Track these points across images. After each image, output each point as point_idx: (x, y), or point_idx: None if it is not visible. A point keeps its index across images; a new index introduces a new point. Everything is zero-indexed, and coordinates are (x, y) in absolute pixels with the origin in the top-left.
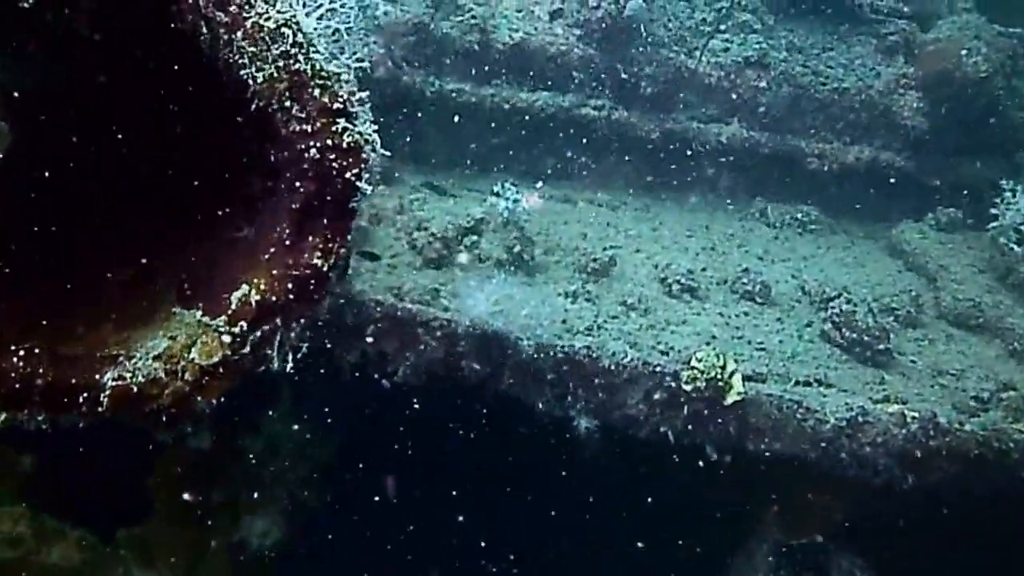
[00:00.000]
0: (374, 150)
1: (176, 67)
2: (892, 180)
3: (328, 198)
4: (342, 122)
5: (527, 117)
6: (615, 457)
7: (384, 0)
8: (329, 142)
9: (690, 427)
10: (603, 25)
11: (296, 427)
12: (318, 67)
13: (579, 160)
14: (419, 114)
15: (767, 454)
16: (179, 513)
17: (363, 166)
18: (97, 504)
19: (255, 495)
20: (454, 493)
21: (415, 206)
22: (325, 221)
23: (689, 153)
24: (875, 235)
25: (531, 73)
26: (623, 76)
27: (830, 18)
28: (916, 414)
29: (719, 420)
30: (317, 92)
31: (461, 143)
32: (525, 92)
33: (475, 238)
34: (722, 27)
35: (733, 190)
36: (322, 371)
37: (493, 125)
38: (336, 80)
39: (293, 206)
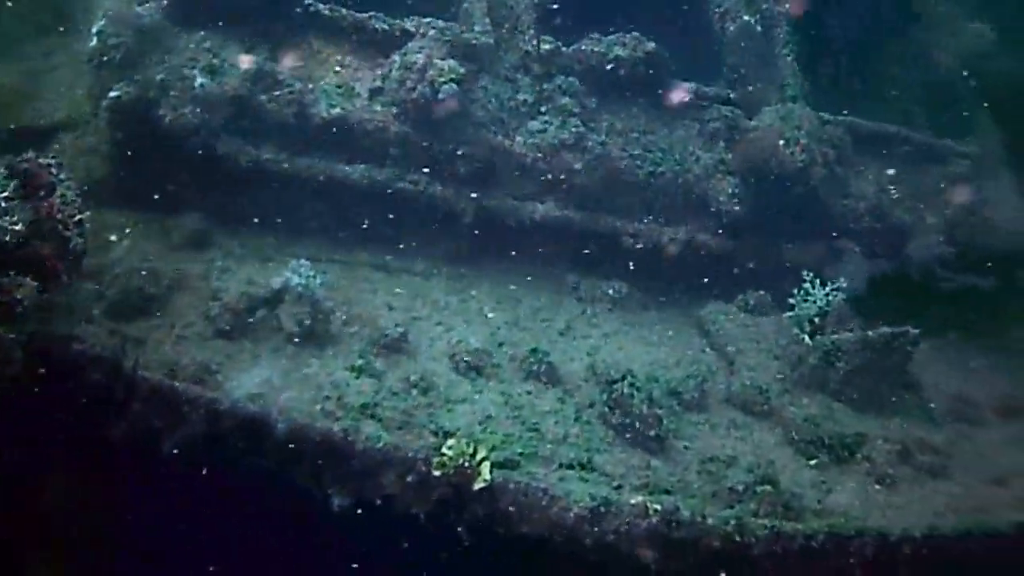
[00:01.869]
0: None
1: None
2: (706, 261)
3: None
4: None
5: (343, 188)
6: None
7: (201, 72)
8: None
9: (441, 509)
10: (418, 106)
11: None
12: None
13: (396, 231)
14: (236, 183)
15: (516, 537)
16: None
17: None
18: None
19: None
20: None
21: (217, 274)
22: None
23: (505, 229)
24: (687, 314)
25: (350, 147)
26: (439, 154)
27: (655, 102)
28: (658, 506)
29: (468, 504)
30: None
31: (277, 211)
32: (342, 164)
33: (266, 311)
34: (542, 109)
35: (548, 265)
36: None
37: (309, 194)
38: None
39: None
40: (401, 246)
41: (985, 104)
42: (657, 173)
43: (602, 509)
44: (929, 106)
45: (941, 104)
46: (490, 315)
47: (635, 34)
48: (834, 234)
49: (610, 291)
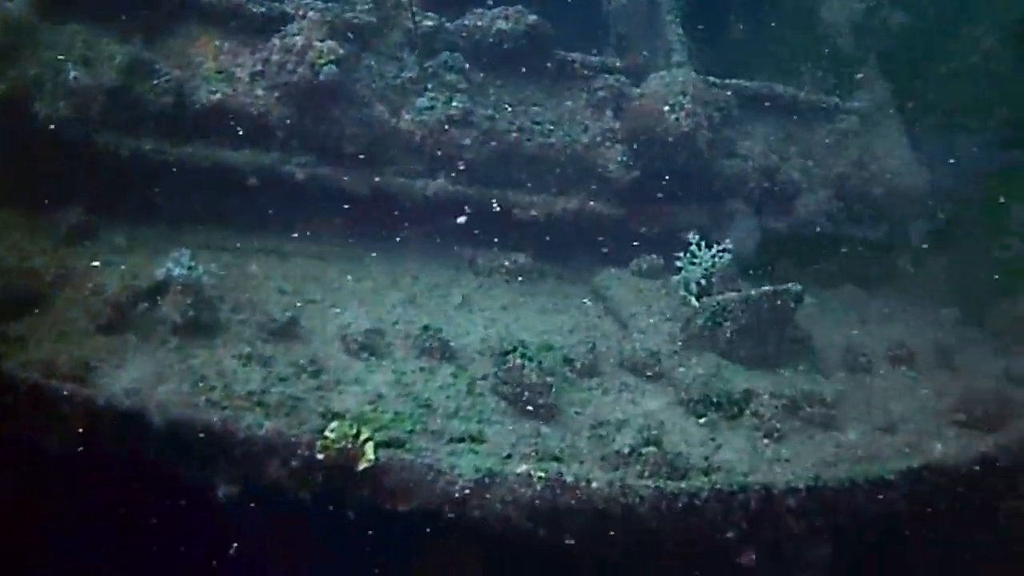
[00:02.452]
0: None
1: None
2: (601, 228)
3: None
4: None
5: (230, 174)
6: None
7: (74, 65)
8: None
9: (329, 492)
10: (300, 88)
11: None
12: None
13: (287, 215)
14: (119, 175)
15: (406, 514)
16: None
17: None
18: None
19: None
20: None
21: (100, 269)
22: None
23: (397, 207)
24: (584, 281)
25: (234, 133)
26: (325, 135)
27: (542, 75)
28: (542, 473)
29: (354, 485)
30: None
31: (164, 202)
32: (226, 150)
33: (148, 304)
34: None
35: (444, 241)
36: None
37: (195, 183)
38: None
39: None
40: (294, 231)
41: (874, 59)
42: (546, 144)
43: (487, 480)
44: (819, 63)
45: (831, 61)
46: (385, 294)
47: (518, 7)
48: (724, 195)
49: (507, 263)
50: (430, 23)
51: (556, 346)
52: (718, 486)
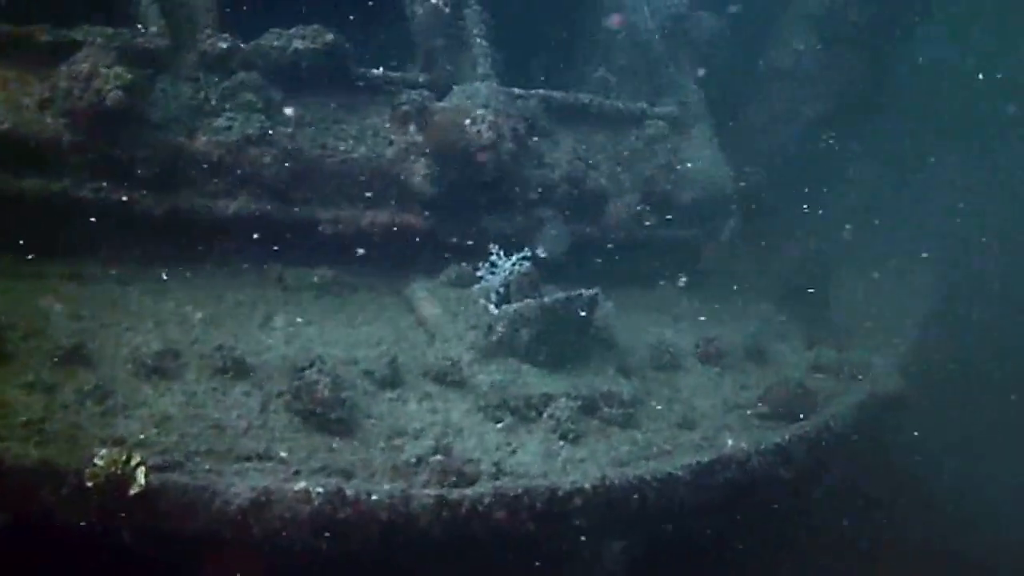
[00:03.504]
0: None
1: None
2: (410, 240)
3: None
4: None
5: (23, 203)
6: None
7: None
8: None
9: (104, 517)
10: (88, 114)
11: None
12: None
13: (88, 241)
14: None
15: (183, 535)
16: None
17: None
18: None
19: None
20: None
21: None
22: None
23: (199, 227)
24: (395, 293)
25: (24, 161)
26: (118, 160)
27: (344, 91)
28: (320, 488)
29: (128, 511)
30: None
31: None
32: (17, 178)
33: None
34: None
35: (251, 259)
36: None
37: None
38: None
39: None
40: (93, 256)
41: (687, 61)
42: (349, 160)
43: (263, 499)
44: (631, 69)
45: (642, 66)
46: (186, 315)
47: (315, 26)
48: (533, 203)
49: (315, 278)
50: (225, 44)
51: (358, 359)
52: (502, 490)
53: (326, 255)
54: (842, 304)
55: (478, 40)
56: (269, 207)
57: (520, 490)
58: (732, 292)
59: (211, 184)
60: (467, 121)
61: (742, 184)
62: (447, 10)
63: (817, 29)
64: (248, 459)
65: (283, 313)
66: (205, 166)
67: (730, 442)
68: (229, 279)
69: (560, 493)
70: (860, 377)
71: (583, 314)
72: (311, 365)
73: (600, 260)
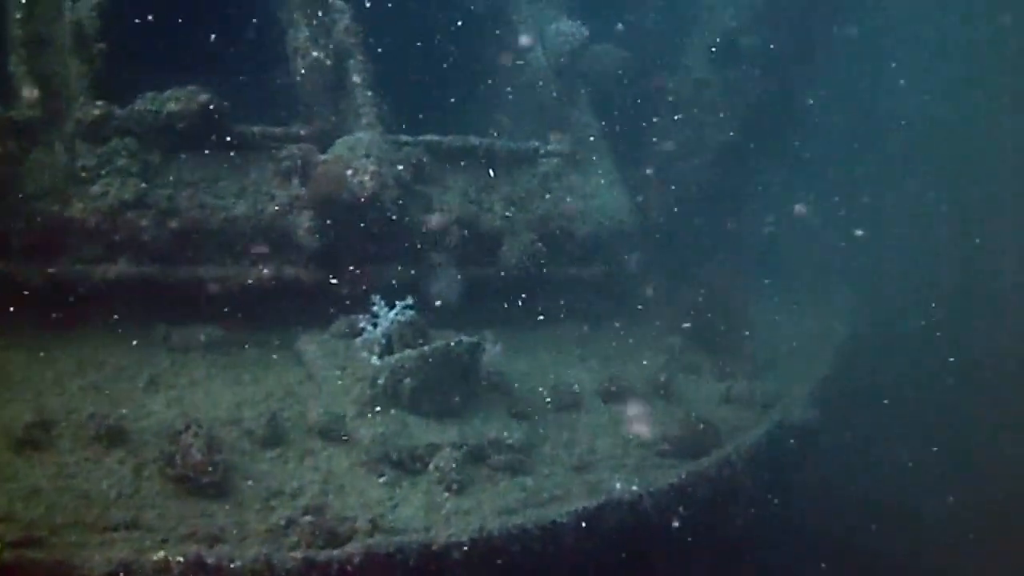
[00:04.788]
0: None
1: None
2: (298, 294)
3: None
4: None
5: None
6: None
7: None
8: None
9: None
10: None
11: None
12: None
13: None
14: None
15: None
16: None
17: None
18: None
19: None
20: None
21: None
22: None
23: (79, 295)
24: (287, 348)
25: None
26: None
27: (224, 150)
28: (181, 558)
29: None
30: None
31: None
32: None
33: None
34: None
35: (136, 322)
36: None
37: None
38: None
39: None
40: None
41: (585, 98)
42: (230, 217)
43: (121, 571)
44: (527, 109)
45: (537, 105)
46: (66, 383)
47: (190, 87)
48: (423, 250)
49: (202, 337)
50: (98, 111)
51: (241, 418)
52: (373, 549)
53: (214, 313)
54: (760, 329)
55: (361, 90)
56: (151, 270)
57: (392, 547)
58: (641, 326)
59: (89, 251)
60: (348, 172)
61: (655, 215)
62: (328, 63)
63: (715, 56)
64: (116, 529)
65: (168, 375)
66: (82, 233)
67: (619, 485)
68: (115, 343)
69: (435, 548)
70: (771, 407)
71: (466, 361)
72: (186, 429)
73: (499, 302)
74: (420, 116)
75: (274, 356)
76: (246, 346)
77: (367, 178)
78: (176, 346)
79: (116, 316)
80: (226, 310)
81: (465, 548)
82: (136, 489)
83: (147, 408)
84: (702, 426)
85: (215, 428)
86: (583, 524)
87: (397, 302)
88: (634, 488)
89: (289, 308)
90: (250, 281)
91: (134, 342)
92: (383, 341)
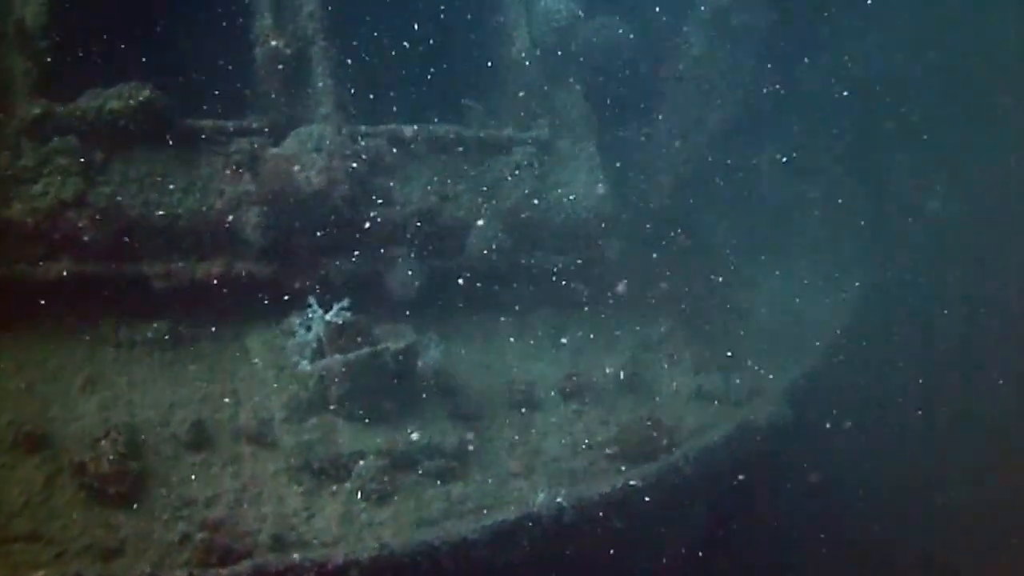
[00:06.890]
0: None
1: None
2: (249, 289)
3: None
4: None
5: None
6: None
7: None
8: None
9: None
10: None
11: None
12: None
13: None
14: None
15: None
16: None
17: None
18: None
19: None
20: None
21: None
22: None
23: (20, 294)
24: (238, 345)
25: None
26: None
27: (170, 146)
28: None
29: None
30: None
31: None
32: None
33: None
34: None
35: (81, 320)
36: None
37: None
38: None
39: None
40: None
41: (572, 84)
42: (175, 214)
43: None
44: (508, 94)
45: (517, 90)
46: (2, 384)
47: (133, 83)
48: (381, 243)
49: (149, 333)
50: (39, 110)
51: (171, 421)
52: (262, 567)
53: (160, 310)
54: (753, 316)
55: (323, 79)
56: (95, 268)
57: (283, 566)
58: (619, 315)
59: (30, 250)
60: (296, 168)
61: (645, 200)
62: (288, 51)
63: (713, 34)
64: (15, 540)
65: (108, 375)
66: (22, 233)
67: (541, 496)
68: (59, 344)
69: (330, 567)
70: (743, 405)
71: (399, 365)
72: (106, 435)
73: (463, 294)
74: (393, 106)
75: (226, 352)
76: (198, 341)
77: (314, 173)
78: (122, 342)
79: (63, 316)
80: (176, 307)
81: (364, 566)
82: (46, 498)
83: (77, 411)
84: (654, 428)
85: (143, 431)
86: (496, 540)
87: (335, 303)
88: (558, 499)
89: (241, 304)
90: (198, 276)
91: (80, 341)
92: (314, 345)
